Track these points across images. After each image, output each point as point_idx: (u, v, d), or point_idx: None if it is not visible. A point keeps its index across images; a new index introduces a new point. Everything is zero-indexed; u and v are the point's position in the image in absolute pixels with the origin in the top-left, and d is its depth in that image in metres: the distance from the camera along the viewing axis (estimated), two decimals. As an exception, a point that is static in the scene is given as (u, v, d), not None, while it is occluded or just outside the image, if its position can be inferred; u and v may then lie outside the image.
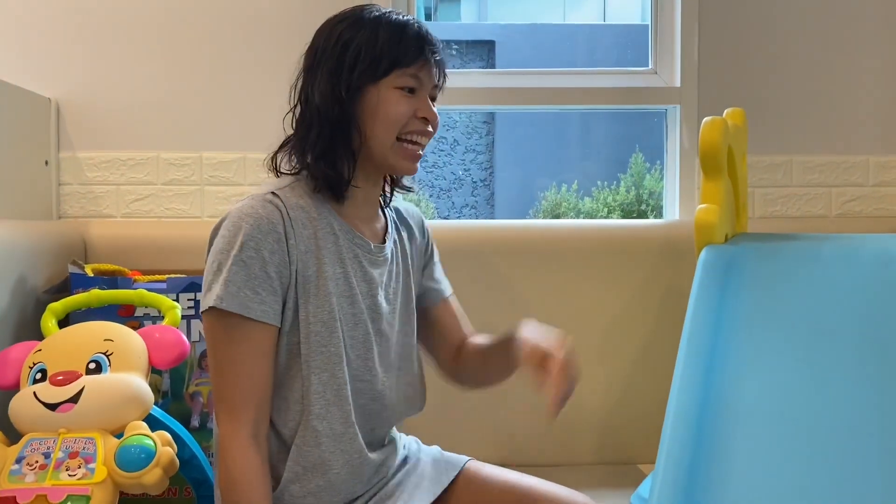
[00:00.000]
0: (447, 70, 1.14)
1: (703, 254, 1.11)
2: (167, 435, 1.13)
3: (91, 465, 1.09)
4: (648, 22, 2.01)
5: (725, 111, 1.36)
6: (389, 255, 1.17)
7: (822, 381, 0.93)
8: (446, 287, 1.29)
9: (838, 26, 1.93)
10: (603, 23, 5.59)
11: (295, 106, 1.12)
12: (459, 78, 2.00)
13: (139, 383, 1.17)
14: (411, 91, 1.08)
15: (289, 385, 1.05)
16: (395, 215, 1.23)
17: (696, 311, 1.04)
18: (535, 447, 1.68)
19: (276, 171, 1.12)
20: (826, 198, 1.93)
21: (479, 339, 1.25)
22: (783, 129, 1.92)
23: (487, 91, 2.01)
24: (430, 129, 1.10)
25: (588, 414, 1.68)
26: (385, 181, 1.18)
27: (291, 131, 1.13)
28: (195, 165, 1.85)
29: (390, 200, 1.22)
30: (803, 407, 0.91)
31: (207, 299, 1.00)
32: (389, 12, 1.10)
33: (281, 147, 1.12)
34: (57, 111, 1.82)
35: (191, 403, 1.43)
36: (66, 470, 1.09)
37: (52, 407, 1.14)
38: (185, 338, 1.27)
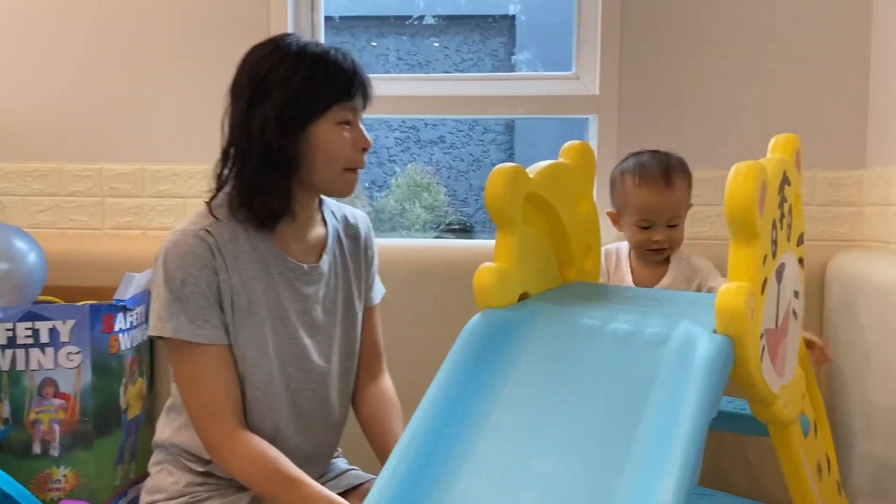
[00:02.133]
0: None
1: (472, 319, 1.01)
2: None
3: None
4: None
5: (565, 145, 1.23)
6: (327, 269, 1.25)
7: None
8: (375, 296, 1.37)
9: (772, 34, 1.72)
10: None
11: (230, 141, 1.15)
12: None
13: None
14: (347, 123, 1.15)
15: None
16: (340, 223, 1.30)
17: (450, 370, 0.95)
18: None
19: (211, 211, 1.15)
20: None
21: (392, 425, 1.29)
22: (714, 142, 1.75)
23: (408, 100, 1.90)
24: (365, 156, 1.19)
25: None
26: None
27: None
28: (96, 177, 1.85)
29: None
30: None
31: (161, 329, 1.09)
32: (309, 44, 1.15)
33: (218, 188, 1.16)
34: (-35, 122, 1.86)
35: (32, 430, 1.44)
36: None
37: None
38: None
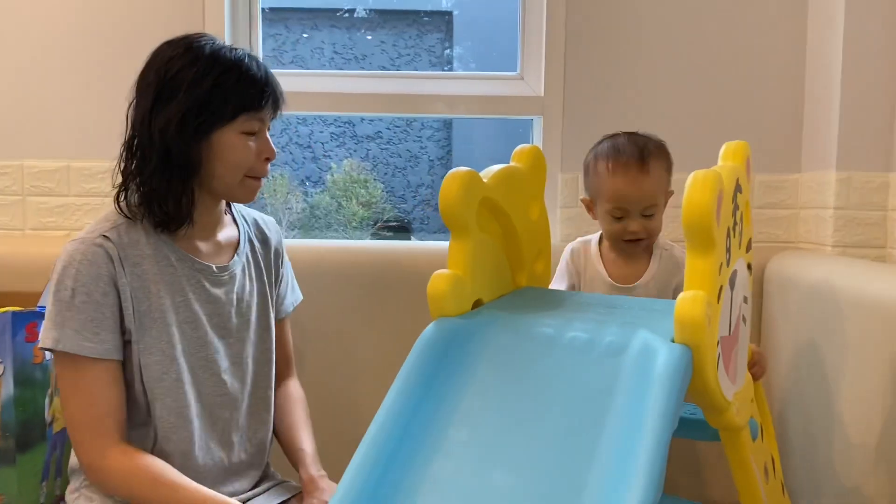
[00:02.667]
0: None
1: (427, 329, 0.98)
2: None
3: None
4: None
5: (516, 149, 1.21)
6: (240, 271, 1.22)
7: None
8: (287, 306, 1.36)
9: (714, 41, 1.75)
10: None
11: (133, 136, 1.12)
12: (307, 81, 1.87)
13: None
14: (253, 133, 1.14)
15: (133, 413, 1.12)
16: (251, 227, 1.29)
17: (405, 383, 0.92)
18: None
19: (118, 206, 1.13)
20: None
21: (296, 419, 1.30)
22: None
23: (347, 97, 1.84)
24: (269, 166, 1.17)
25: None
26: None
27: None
28: (17, 174, 1.74)
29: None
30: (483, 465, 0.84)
31: (47, 340, 1.07)
32: (223, 48, 1.12)
33: (123, 183, 1.13)
34: None
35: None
36: None
37: None
38: None
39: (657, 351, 0.86)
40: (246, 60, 1.12)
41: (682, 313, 0.85)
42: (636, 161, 1.28)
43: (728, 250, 0.95)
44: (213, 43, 1.12)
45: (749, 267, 1.11)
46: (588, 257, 1.40)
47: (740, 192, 1.01)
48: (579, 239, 1.46)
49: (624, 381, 0.87)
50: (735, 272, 1.00)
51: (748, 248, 1.10)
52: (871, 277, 1.31)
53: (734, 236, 0.99)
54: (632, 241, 1.32)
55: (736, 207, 0.99)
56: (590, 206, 1.38)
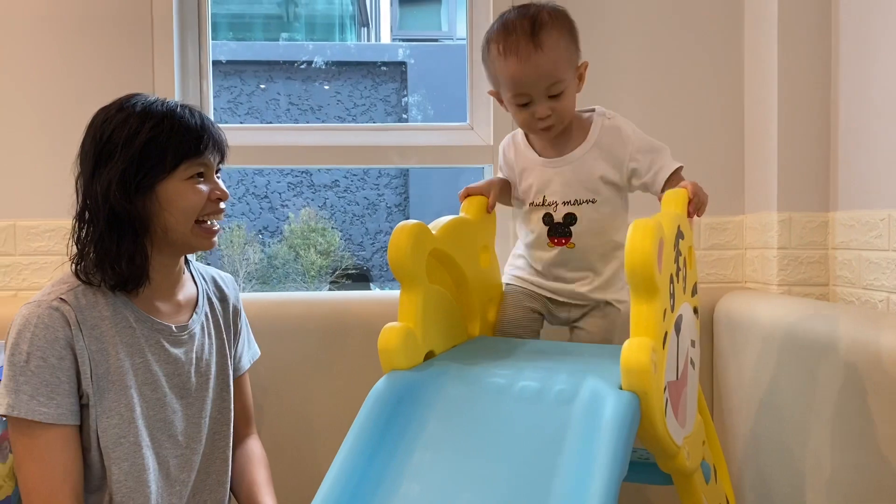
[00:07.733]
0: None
1: (378, 383, 0.98)
2: None
3: None
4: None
5: (465, 200, 1.23)
6: (199, 330, 1.22)
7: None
8: (244, 363, 1.36)
9: (656, 91, 1.80)
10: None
11: (83, 205, 1.13)
12: (263, 135, 1.88)
13: None
14: (201, 175, 1.15)
15: (88, 478, 1.11)
16: (209, 284, 1.28)
17: (356, 439, 0.92)
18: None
19: (78, 275, 1.13)
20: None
21: (257, 479, 1.29)
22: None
23: (300, 149, 1.85)
24: (223, 205, 1.18)
25: None
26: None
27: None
28: (-40, 234, 1.70)
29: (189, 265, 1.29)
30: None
31: (1, 406, 1.05)
32: (155, 102, 1.14)
33: (79, 252, 1.13)
34: None
35: None
36: None
37: None
38: None
39: (605, 398, 0.87)
40: (178, 110, 1.14)
41: (628, 360, 0.87)
42: (527, 37, 1.13)
43: (672, 296, 0.97)
44: (146, 99, 1.15)
45: (695, 311, 1.13)
46: (517, 147, 1.31)
47: (682, 238, 1.04)
48: (509, 134, 1.35)
49: (574, 430, 0.88)
50: (680, 317, 1.02)
51: (693, 293, 1.13)
52: (815, 316, 1.35)
53: (678, 282, 1.01)
54: (545, 129, 1.20)
55: (678, 254, 1.02)
56: (498, 97, 1.24)
